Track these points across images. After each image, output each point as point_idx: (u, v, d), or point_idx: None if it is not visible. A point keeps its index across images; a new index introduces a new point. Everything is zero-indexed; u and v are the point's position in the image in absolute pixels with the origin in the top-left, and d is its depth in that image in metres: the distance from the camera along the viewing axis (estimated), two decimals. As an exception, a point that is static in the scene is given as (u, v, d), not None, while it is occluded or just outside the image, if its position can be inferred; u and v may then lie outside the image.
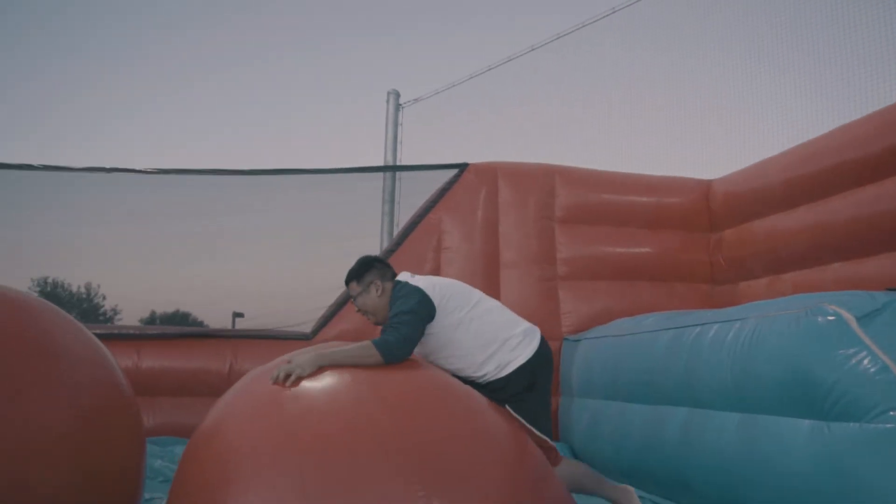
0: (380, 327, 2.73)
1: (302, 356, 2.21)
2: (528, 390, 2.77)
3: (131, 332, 4.93)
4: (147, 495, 3.32)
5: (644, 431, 3.54)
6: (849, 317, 2.50)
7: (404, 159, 6.48)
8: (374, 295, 2.75)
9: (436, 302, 2.64)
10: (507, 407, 2.70)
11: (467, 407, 2.21)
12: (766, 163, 4.73)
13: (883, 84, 4.14)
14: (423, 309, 2.57)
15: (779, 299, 3.02)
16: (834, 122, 4.29)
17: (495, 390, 2.72)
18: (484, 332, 2.75)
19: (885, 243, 3.72)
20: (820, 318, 2.57)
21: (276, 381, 2.12)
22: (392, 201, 5.97)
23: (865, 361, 2.38)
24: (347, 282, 2.82)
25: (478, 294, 2.87)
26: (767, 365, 2.72)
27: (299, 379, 2.11)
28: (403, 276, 2.80)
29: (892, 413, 2.25)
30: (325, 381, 2.13)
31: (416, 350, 2.63)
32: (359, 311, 2.83)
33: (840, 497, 2.34)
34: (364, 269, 2.78)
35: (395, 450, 1.88)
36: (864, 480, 2.27)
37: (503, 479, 1.99)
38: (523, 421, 2.73)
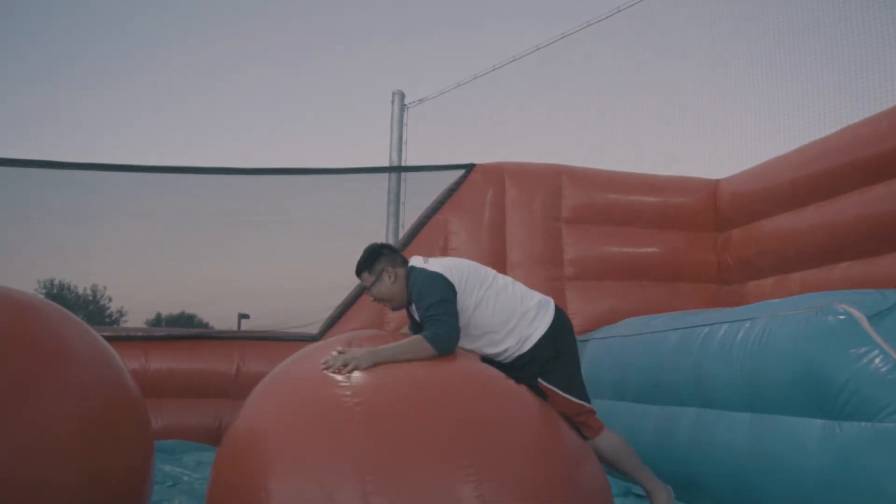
0: (396, 312, 2.80)
1: (358, 350, 2.31)
2: (555, 359, 2.76)
3: (139, 334, 4.93)
4: (155, 498, 3.31)
5: (653, 431, 3.52)
6: (859, 315, 2.48)
7: (409, 159, 6.47)
8: (388, 282, 2.73)
9: (455, 284, 2.64)
10: (540, 380, 2.71)
11: (504, 394, 2.32)
12: (774, 162, 4.72)
13: (891, 83, 4.12)
14: (451, 294, 2.59)
15: (788, 299, 3.01)
16: (841, 121, 4.28)
17: (522, 366, 2.72)
18: (502, 309, 2.74)
19: (893, 242, 3.71)
20: (830, 318, 2.55)
21: (330, 368, 2.24)
22: (398, 201, 5.96)
23: (877, 360, 2.37)
24: (359, 273, 2.79)
25: (490, 271, 2.86)
26: (778, 364, 2.71)
27: (355, 369, 2.22)
28: (416, 261, 2.78)
29: (905, 413, 2.23)
30: (377, 374, 2.23)
31: None
32: (375, 300, 2.82)
33: (852, 497, 2.33)
34: (373, 258, 2.75)
35: (445, 436, 2.00)
36: (877, 480, 2.26)
37: (536, 463, 2.08)
38: (559, 391, 2.72)
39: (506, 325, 2.72)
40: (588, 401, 2.81)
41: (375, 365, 2.27)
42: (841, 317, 2.52)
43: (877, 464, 2.27)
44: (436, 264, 2.72)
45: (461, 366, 2.43)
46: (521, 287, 2.88)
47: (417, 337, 2.40)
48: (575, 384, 2.79)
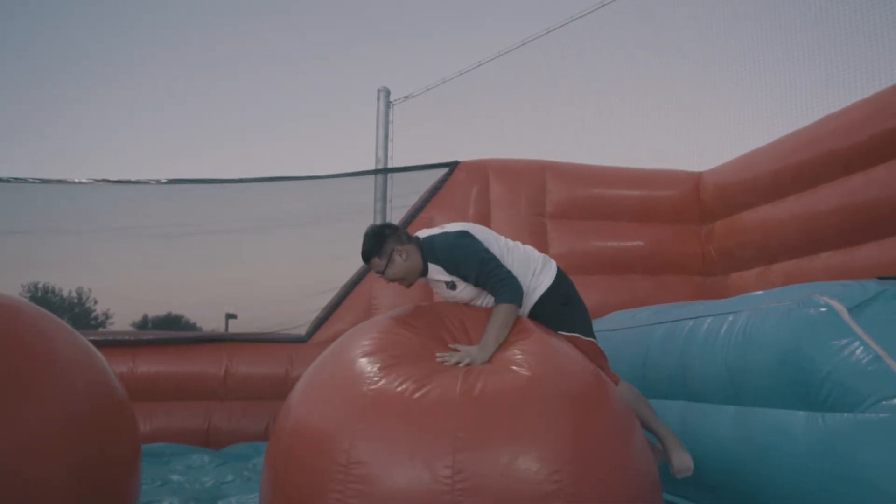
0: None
1: (470, 348, 2.40)
2: (565, 305, 2.87)
3: (126, 338, 4.91)
4: (144, 499, 3.31)
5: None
6: (840, 308, 2.51)
7: (396, 156, 6.47)
8: (401, 261, 2.72)
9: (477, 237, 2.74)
10: (560, 333, 2.76)
11: (608, 401, 2.41)
12: (755, 154, 4.76)
13: (868, 74, 4.17)
14: (489, 253, 2.68)
15: (770, 290, 3.04)
16: (821, 111, 4.32)
17: (538, 315, 2.79)
18: (519, 262, 2.81)
19: (874, 231, 3.75)
20: (812, 310, 2.58)
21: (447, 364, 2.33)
22: (384, 199, 5.96)
23: (858, 352, 2.39)
24: (367, 258, 2.76)
25: (494, 233, 2.94)
26: (761, 357, 2.73)
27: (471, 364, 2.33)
28: (424, 233, 2.83)
29: (885, 403, 2.26)
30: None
31: (458, 299, 2.76)
32: (389, 280, 2.82)
33: (836, 488, 2.36)
34: (381, 240, 2.73)
35: (546, 433, 2.09)
36: (860, 470, 2.28)
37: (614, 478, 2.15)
38: (581, 335, 2.82)
39: (523, 278, 2.77)
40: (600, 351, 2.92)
41: (490, 357, 2.37)
42: (822, 309, 2.54)
43: (860, 454, 2.29)
44: (453, 227, 2.80)
45: (555, 345, 2.51)
46: (523, 245, 2.97)
47: (498, 308, 2.51)
48: (588, 328, 2.91)
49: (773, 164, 4.50)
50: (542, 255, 2.98)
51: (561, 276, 2.91)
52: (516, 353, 2.35)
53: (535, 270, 2.85)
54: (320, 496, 2.00)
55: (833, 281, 2.79)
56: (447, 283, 2.75)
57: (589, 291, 5.06)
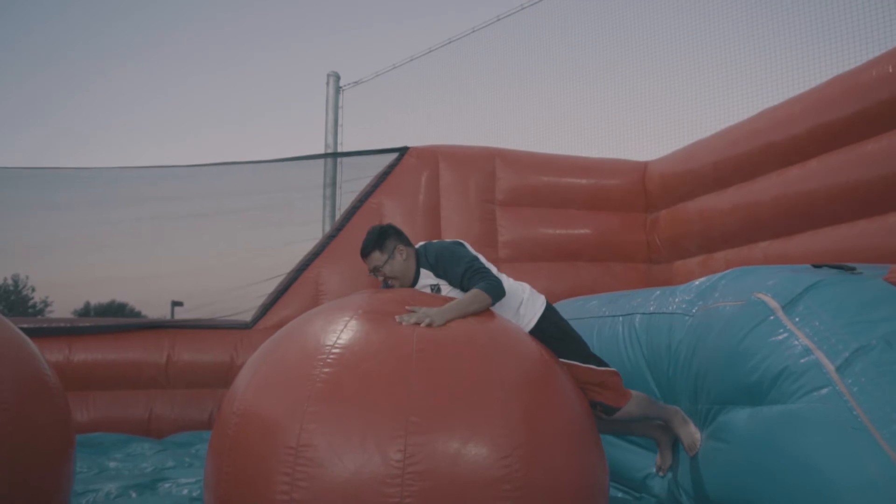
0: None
1: (430, 309, 2.39)
2: (561, 339, 2.82)
3: (61, 325, 4.76)
4: (79, 488, 3.24)
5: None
6: (775, 305, 2.57)
7: (345, 142, 6.40)
8: (401, 259, 2.77)
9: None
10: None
11: (549, 368, 2.45)
12: (698, 145, 4.85)
13: (806, 67, 4.28)
14: (479, 260, 2.73)
15: (712, 279, 3.07)
16: (762, 104, 4.42)
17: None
18: (510, 290, 2.81)
19: (808, 221, 3.87)
20: (750, 309, 2.64)
21: (404, 323, 2.33)
22: (334, 185, 5.90)
23: (791, 346, 2.45)
24: (368, 252, 2.80)
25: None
26: (707, 355, 2.79)
27: (430, 325, 2.32)
28: (422, 243, 2.89)
29: (814, 393, 2.32)
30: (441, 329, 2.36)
31: None
32: (384, 279, 2.84)
33: (773, 477, 2.42)
34: (384, 236, 2.79)
35: (492, 399, 2.12)
36: (793, 459, 2.33)
37: (571, 448, 2.22)
38: (578, 363, 2.78)
39: (511, 307, 2.80)
40: (607, 366, 2.87)
41: (447, 322, 2.37)
42: (759, 307, 2.61)
43: (793, 444, 2.34)
44: (453, 242, 2.86)
45: (514, 333, 2.54)
46: (520, 283, 2.99)
47: (475, 290, 2.52)
48: (590, 356, 2.86)
49: (714, 155, 4.59)
50: (531, 287, 2.98)
51: (550, 308, 2.91)
52: (473, 339, 2.35)
53: (522, 300, 2.86)
54: (268, 481, 1.97)
55: (772, 266, 2.86)
56: (432, 287, 2.76)
57: (537, 278, 5.14)
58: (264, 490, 1.96)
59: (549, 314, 2.87)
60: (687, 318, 3.02)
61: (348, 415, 2.00)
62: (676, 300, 3.15)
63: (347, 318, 2.35)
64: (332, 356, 2.17)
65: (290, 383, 2.14)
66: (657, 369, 3.18)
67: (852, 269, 2.68)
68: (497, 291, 2.56)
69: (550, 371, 2.45)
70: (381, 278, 2.86)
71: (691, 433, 2.86)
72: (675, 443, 2.99)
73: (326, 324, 2.34)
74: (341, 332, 2.27)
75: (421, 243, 2.89)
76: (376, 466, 1.91)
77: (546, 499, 2.06)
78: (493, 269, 2.80)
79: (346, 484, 1.91)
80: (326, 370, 2.12)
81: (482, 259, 2.78)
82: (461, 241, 2.85)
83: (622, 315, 3.53)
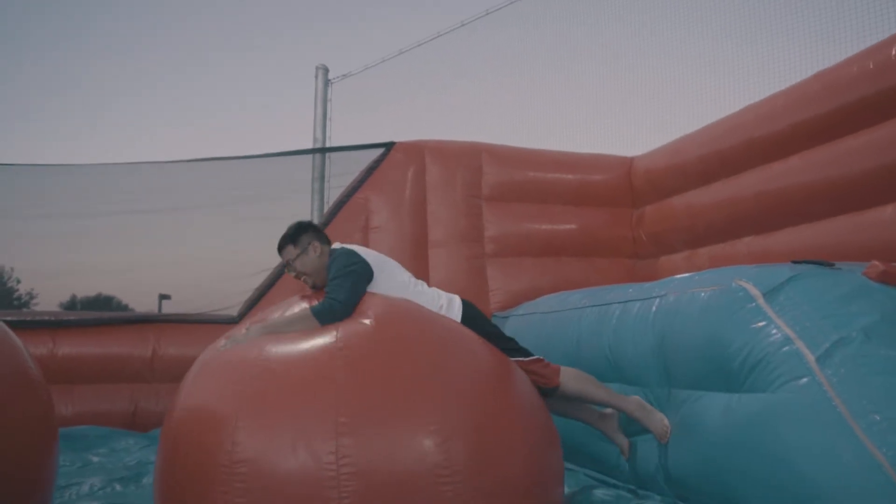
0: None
1: (246, 331, 2.43)
2: (487, 336, 2.78)
3: (46, 318, 4.73)
4: (63, 482, 3.23)
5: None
6: (756, 293, 2.61)
7: (334, 136, 6.37)
8: (314, 256, 2.76)
9: (372, 266, 2.69)
10: None
11: (473, 349, 2.46)
12: (683, 140, 4.87)
13: (792, 61, 4.31)
14: (361, 269, 2.62)
15: (694, 274, 3.13)
16: (747, 98, 4.45)
17: None
18: (423, 301, 2.78)
19: (790, 217, 3.91)
20: (730, 295, 2.67)
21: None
22: (322, 179, 5.87)
23: (771, 334, 2.48)
24: (282, 246, 2.79)
25: (407, 273, 2.93)
26: (685, 341, 2.82)
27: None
28: (336, 246, 2.83)
29: (793, 383, 2.36)
30: (365, 325, 2.34)
31: None
32: (296, 275, 2.81)
33: (749, 464, 2.45)
34: (300, 231, 2.79)
35: (416, 386, 2.14)
36: (770, 447, 2.37)
37: (493, 414, 2.22)
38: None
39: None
40: (531, 354, 2.88)
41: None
42: (739, 294, 2.64)
43: (772, 432, 2.37)
44: (356, 247, 2.78)
45: (444, 326, 2.54)
46: (434, 289, 2.96)
47: (305, 309, 2.43)
48: (517, 349, 2.86)
49: (699, 150, 4.62)
50: (448, 294, 2.95)
51: (469, 314, 2.86)
52: (400, 333, 2.34)
53: (440, 306, 2.83)
54: (206, 500, 2.00)
55: (752, 265, 2.89)
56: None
57: (522, 273, 5.21)
58: None
59: (470, 315, 2.83)
60: (657, 300, 3.06)
61: (277, 424, 2.00)
62: (654, 291, 3.19)
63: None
64: (257, 367, 2.17)
65: (219, 399, 2.15)
66: (624, 353, 3.21)
67: (831, 265, 2.72)
68: (329, 315, 2.38)
69: (484, 355, 2.46)
70: (293, 274, 2.83)
71: (660, 421, 2.90)
72: (635, 429, 3.00)
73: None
74: (265, 344, 2.27)
75: (336, 244, 2.85)
76: (310, 472, 1.92)
77: (491, 481, 2.07)
78: (410, 285, 2.77)
79: (283, 493, 1.92)
80: (253, 383, 2.12)
81: (364, 276, 2.62)
82: (356, 249, 2.73)
83: (600, 305, 3.56)
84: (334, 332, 2.27)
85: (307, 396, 2.05)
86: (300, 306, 2.52)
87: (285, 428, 1.99)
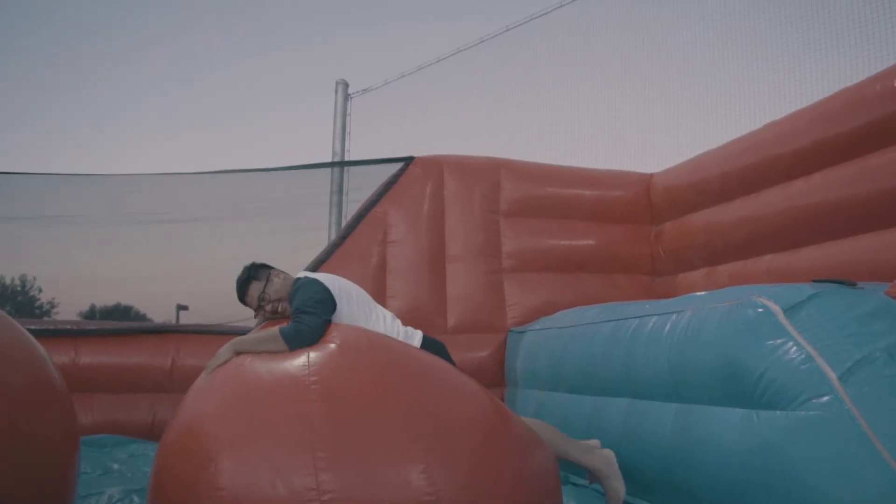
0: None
1: (221, 350, 2.48)
2: None
3: (69, 328, 4.79)
4: (82, 491, 3.25)
5: (587, 422, 3.60)
6: (776, 309, 2.58)
7: (353, 150, 6.44)
8: (279, 281, 2.82)
9: (334, 294, 2.71)
10: None
11: (455, 383, 2.42)
12: (704, 157, 4.86)
13: (813, 80, 4.30)
14: (325, 297, 2.65)
15: (713, 291, 3.12)
16: (767, 117, 4.44)
17: None
18: (382, 330, 2.82)
19: (812, 236, 3.88)
20: (750, 311, 2.65)
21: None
22: (340, 192, 5.94)
23: (791, 351, 2.46)
24: (245, 288, 2.86)
25: (372, 302, 2.98)
26: (701, 356, 2.80)
27: (216, 368, 2.39)
28: (300, 275, 2.88)
29: (814, 401, 2.33)
30: (337, 356, 2.32)
31: None
32: (271, 308, 2.83)
33: (768, 482, 2.43)
34: (252, 270, 2.88)
35: (398, 420, 2.10)
36: (790, 466, 2.35)
37: (484, 448, 2.17)
38: None
39: None
40: None
41: (238, 353, 2.41)
42: (759, 310, 2.62)
43: (791, 450, 2.36)
44: (319, 276, 2.82)
45: (417, 354, 2.52)
46: (397, 322, 3.00)
47: (275, 330, 2.43)
48: None
49: (720, 167, 4.60)
50: (407, 327, 3.01)
51: (427, 345, 2.91)
52: (373, 360, 2.31)
53: (398, 335, 2.88)
54: None
55: (772, 284, 2.87)
56: None
57: (539, 289, 5.20)
58: None
59: (434, 351, 2.83)
60: (674, 315, 3.05)
61: (254, 462, 1.97)
62: (672, 307, 3.18)
63: (243, 360, 2.36)
64: (232, 399, 2.17)
65: (201, 431, 2.13)
66: (638, 366, 3.20)
67: (853, 285, 2.70)
68: (297, 339, 2.38)
69: (456, 379, 2.43)
70: (268, 308, 2.84)
71: (617, 489, 2.89)
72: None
73: (226, 369, 2.36)
74: (237, 373, 2.28)
75: (301, 273, 2.92)
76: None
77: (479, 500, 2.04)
78: (375, 314, 2.83)
79: None
80: (230, 415, 2.11)
81: (328, 305, 2.64)
82: (319, 278, 2.76)
83: (617, 320, 3.56)
84: (305, 362, 2.24)
85: (282, 430, 2.02)
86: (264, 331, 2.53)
87: (263, 464, 1.95)
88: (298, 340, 2.38)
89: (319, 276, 2.82)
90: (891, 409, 2.23)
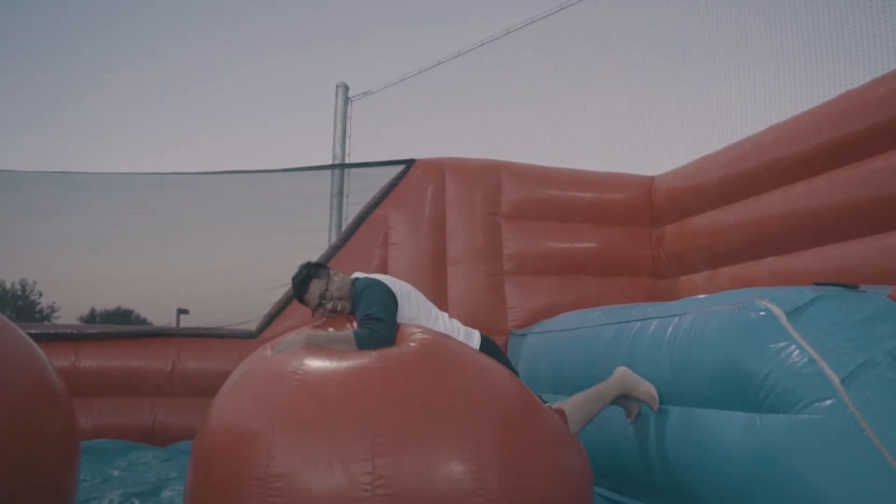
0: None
1: (293, 337, 2.46)
2: None
3: (69, 331, 4.78)
4: (83, 496, 3.24)
5: (590, 425, 3.59)
6: (778, 312, 2.58)
7: (354, 153, 6.44)
8: (339, 280, 2.81)
9: (397, 296, 2.72)
10: None
11: (504, 380, 2.44)
12: (705, 160, 4.86)
13: (814, 84, 4.30)
14: (391, 300, 2.66)
15: (715, 294, 3.11)
16: (769, 119, 4.44)
17: None
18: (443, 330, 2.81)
19: (814, 238, 3.87)
20: (752, 314, 2.64)
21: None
22: (340, 195, 5.93)
23: (794, 355, 2.45)
24: (305, 286, 2.81)
25: (429, 302, 2.98)
26: (703, 359, 2.79)
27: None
28: (357, 275, 2.87)
29: (817, 404, 2.32)
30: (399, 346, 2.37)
31: None
32: (332, 307, 2.80)
33: (771, 486, 2.42)
34: (312, 267, 2.85)
35: (451, 411, 2.13)
36: (793, 469, 2.34)
37: (525, 446, 2.20)
38: None
39: None
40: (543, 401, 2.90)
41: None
42: (762, 313, 2.61)
43: (793, 454, 2.35)
44: (378, 276, 2.82)
45: (474, 354, 2.54)
46: (456, 322, 3.00)
47: (348, 333, 2.46)
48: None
49: (721, 170, 4.60)
50: (466, 327, 2.99)
51: (486, 348, 2.90)
52: (436, 354, 2.35)
53: (458, 335, 2.87)
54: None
55: (774, 287, 2.87)
56: None
57: (540, 292, 5.19)
58: None
59: (489, 350, 2.85)
60: (676, 318, 3.04)
61: (314, 441, 1.99)
62: (674, 310, 3.17)
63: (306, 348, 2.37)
64: (294, 381, 2.17)
65: (256, 412, 2.14)
66: (640, 369, 3.16)
67: (856, 288, 2.69)
68: (371, 342, 2.40)
69: (514, 383, 2.46)
70: (328, 306, 2.81)
71: (647, 390, 2.95)
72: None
73: (289, 353, 2.36)
74: (303, 357, 2.28)
75: (355, 274, 2.91)
76: (345, 491, 1.91)
77: None
78: (430, 317, 2.82)
79: None
80: (290, 396, 2.12)
81: (410, 309, 2.73)
82: (381, 279, 2.77)
83: (619, 322, 3.55)
84: (372, 352, 2.29)
85: (345, 413, 2.04)
86: (338, 331, 2.55)
87: (323, 444, 1.98)
88: (372, 344, 2.39)
89: (379, 276, 2.81)
90: (894, 412, 2.22)
